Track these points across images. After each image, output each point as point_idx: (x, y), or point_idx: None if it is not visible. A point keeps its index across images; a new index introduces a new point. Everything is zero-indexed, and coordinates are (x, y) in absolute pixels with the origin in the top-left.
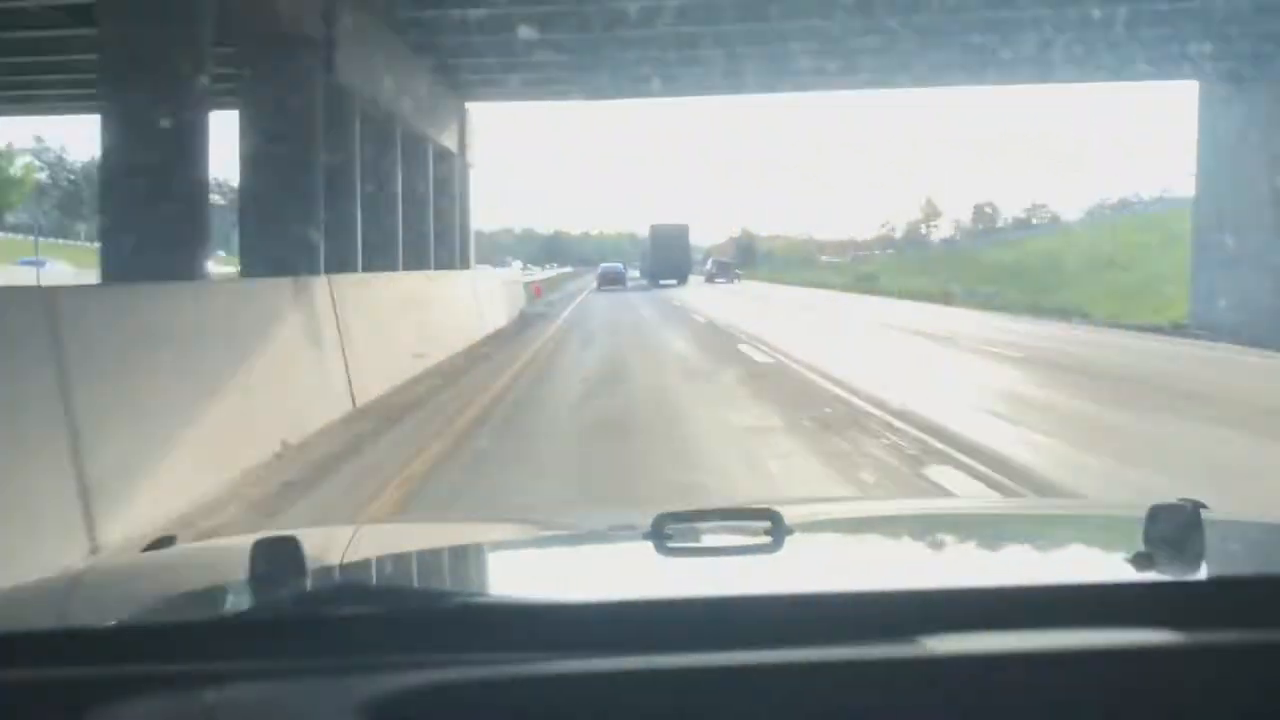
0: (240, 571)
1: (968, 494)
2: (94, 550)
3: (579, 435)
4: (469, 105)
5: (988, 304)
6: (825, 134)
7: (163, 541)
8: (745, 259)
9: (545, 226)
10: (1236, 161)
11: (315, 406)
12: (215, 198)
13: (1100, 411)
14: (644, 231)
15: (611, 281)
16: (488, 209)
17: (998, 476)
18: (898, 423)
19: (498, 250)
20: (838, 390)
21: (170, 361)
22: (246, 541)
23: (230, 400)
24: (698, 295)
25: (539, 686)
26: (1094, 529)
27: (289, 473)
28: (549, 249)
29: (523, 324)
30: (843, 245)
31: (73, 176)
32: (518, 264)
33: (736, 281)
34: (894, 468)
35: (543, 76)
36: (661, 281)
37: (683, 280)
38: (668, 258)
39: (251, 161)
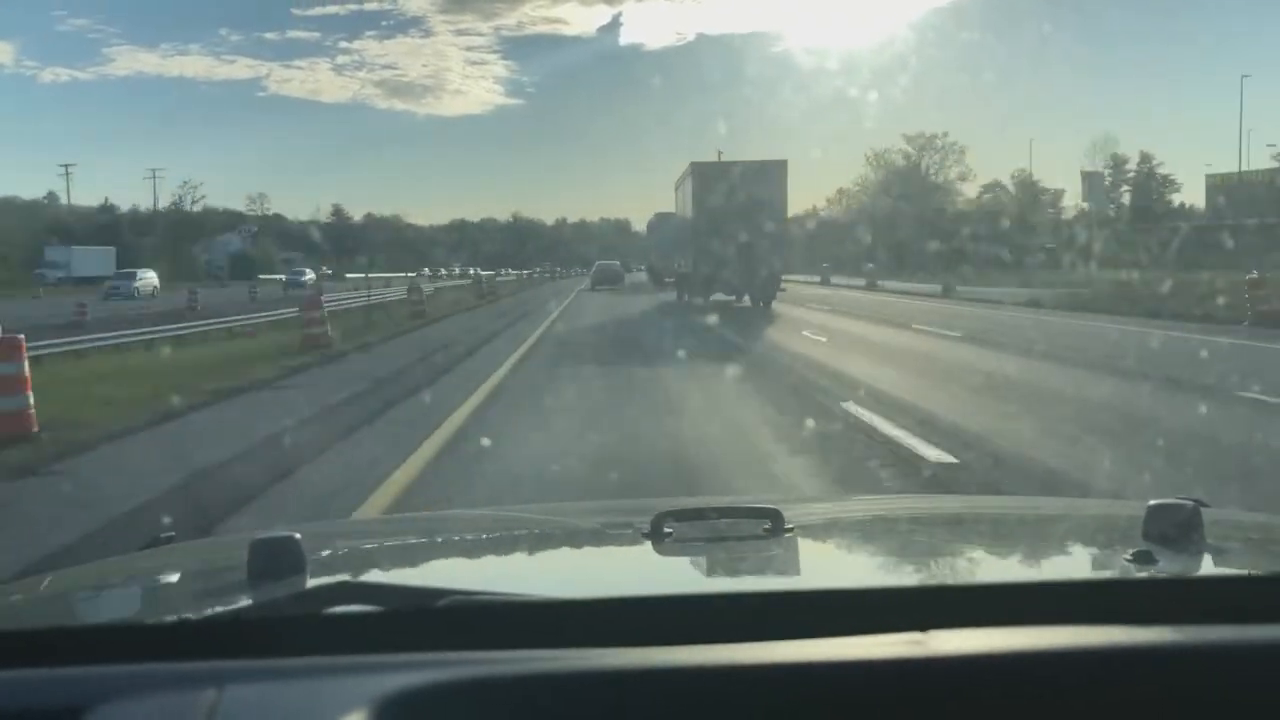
0: (239, 570)
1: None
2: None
3: None
4: None
5: None
6: None
7: (161, 540)
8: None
9: (505, 212)
10: None
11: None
12: None
13: None
14: (642, 219)
15: (609, 280)
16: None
17: None
18: None
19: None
20: None
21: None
22: (245, 540)
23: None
24: None
25: (540, 682)
26: (1093, 527)
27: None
28: (512, 242)
29: None
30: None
31: None
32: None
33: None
34: None
35: None
36: (716, 296)
37: (765, 297)
38: (731, 238)
39: None
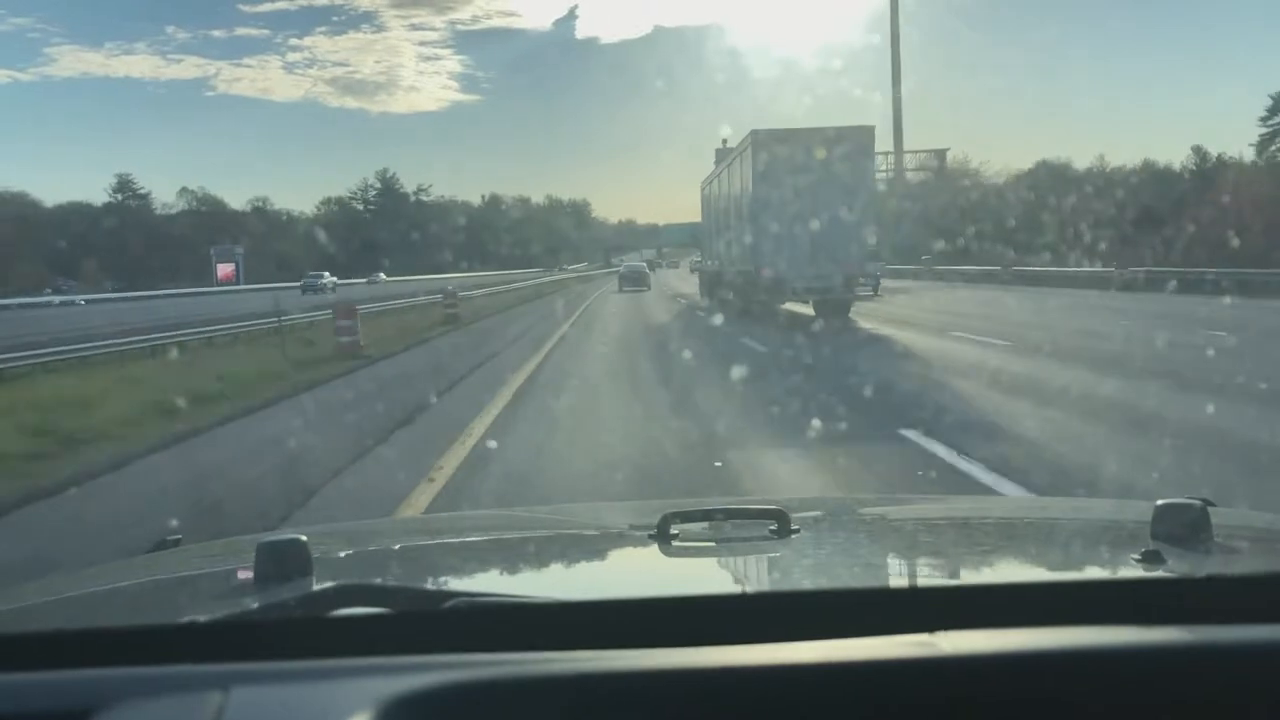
0: (245, 573)
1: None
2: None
3: None
4: None
5: None
6: None
7: (168, 543)
8: None
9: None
10: None
11: None
12: None
13: None
14: (603, 208)
15: (635, 282)
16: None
17: None
18: None
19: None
20: None
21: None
22: (251, 542)
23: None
24: None
25: (547, 685)
26: (1101, 526)
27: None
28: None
29: None
30: None
31: None
32: None
33: None
34: None
35: None
36: None
37: None
38: None
39: None
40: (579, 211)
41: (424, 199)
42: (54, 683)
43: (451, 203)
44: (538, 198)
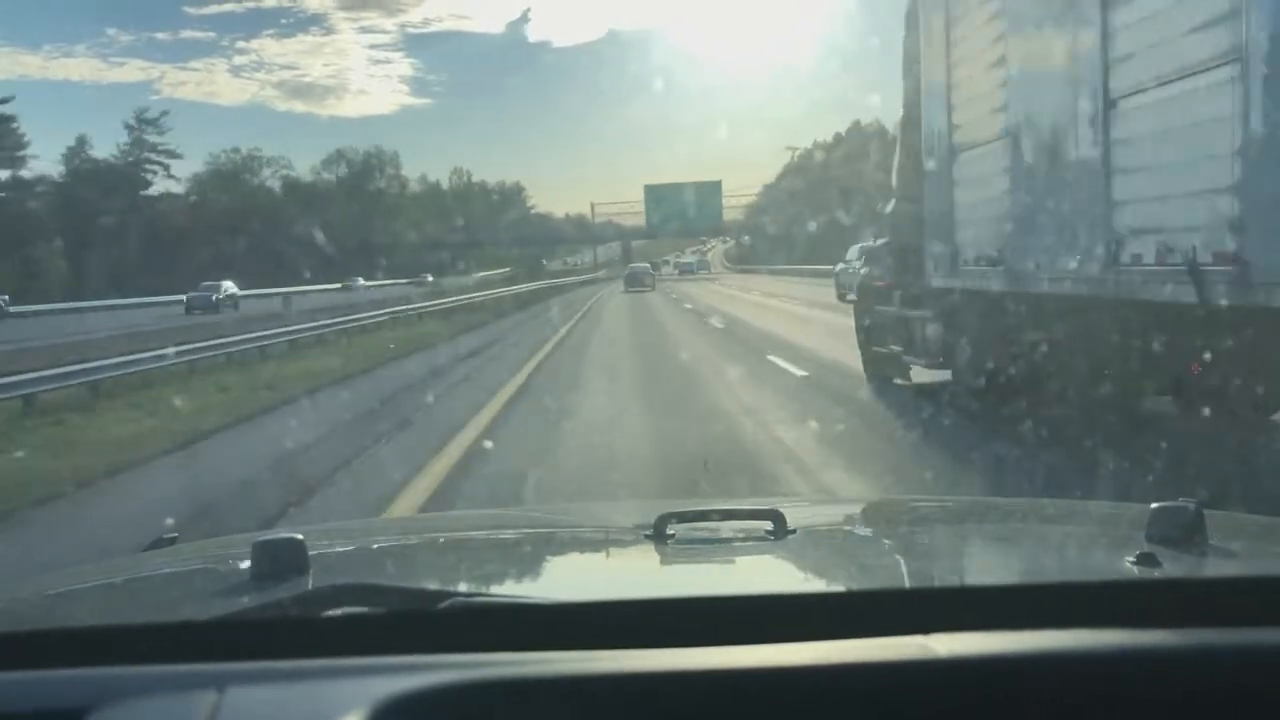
0: (242, 572)
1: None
2: None
3: None
4: None
5: None
6: None
7: (164, 541)
8: None
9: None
10: None
11: None
12: None
13: None
14: (545, 202)
15: (639, 283)
16: None
17: None
18: None
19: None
20: None
21: None
22: (248, 541)
23: None
24: None
25: (542, 686)
26: (1096, 529)
27: None
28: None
29: None
30: None
31: None
32: None
33: None
34: None
35: None
36: None
37: None
38: None
39: None
40: (508, 197)
41: (148, 143)
42: (47, 682)
43: (273, 160)
44: (445, 180)
